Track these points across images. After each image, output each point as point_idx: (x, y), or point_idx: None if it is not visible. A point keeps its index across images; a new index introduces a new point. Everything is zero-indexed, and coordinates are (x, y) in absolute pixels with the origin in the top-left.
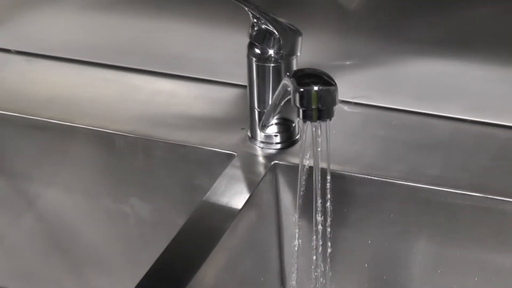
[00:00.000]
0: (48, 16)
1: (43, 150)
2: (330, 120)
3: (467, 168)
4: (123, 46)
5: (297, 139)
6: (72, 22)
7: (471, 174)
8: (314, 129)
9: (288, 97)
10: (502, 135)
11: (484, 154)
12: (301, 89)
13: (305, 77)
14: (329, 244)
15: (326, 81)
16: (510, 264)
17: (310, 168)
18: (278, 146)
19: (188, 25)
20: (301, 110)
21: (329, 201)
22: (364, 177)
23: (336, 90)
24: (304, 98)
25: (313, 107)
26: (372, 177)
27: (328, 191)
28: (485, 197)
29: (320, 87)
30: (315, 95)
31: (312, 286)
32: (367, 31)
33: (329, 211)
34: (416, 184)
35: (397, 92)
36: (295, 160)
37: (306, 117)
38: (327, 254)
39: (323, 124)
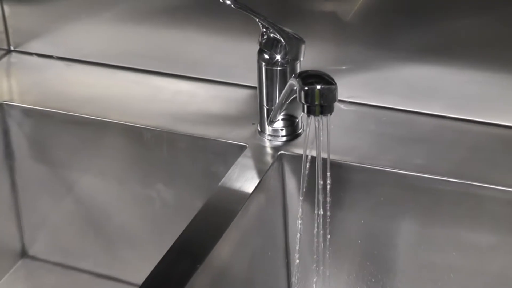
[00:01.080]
0: (85, 27)
1: (81, 142)
2: (331, 114)
3: (447, 158)
4: (148, 53)
5: (300, 132)
6: (105, 32)
7: (450, 163)
8: (317, 122)
9: (294, 95)
10: (477, 130)
11: (462, 146)
12: (306, 88)
13: (309, 77)
14: (328, 223)
15: (327, 81)
16: (484, 241)
17: (312, 157)
18: (284, 138)
19: (205, 34)
20: (305, 106)
21: (328, 186)
22: (358, 166)
23: (336, 88)
24: (309, 95)
25: (316, 103)
26: (365, 166)
27: (328, 177)
28: (462, 183)
29: (322, 86)
30: (318, 93)
31: (313, 259)
32: (361, 40)
33: (328, 194)
34: (403, 172)
35: (387, 93)
36: (298, 151)
37: (310, 112)
38: (326, 232)
39: (324, 118)
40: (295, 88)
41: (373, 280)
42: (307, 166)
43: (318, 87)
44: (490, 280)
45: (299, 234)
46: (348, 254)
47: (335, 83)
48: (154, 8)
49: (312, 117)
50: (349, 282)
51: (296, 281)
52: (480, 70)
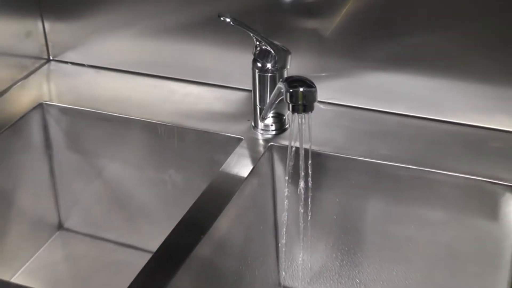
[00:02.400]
0: (112, 41)
1: (107, 135)
2: (312, 112)
3: (407, 149)
4: (163, 62)
5: (286, 127)
6: (128, 45)
7: (410, 153)
8: (300, 119)
9: (281, 97)
10: (432, 126)
11: (420, 140)
12: (291, 90)
13: (294, 81)
14: (309, 202)
15: (309, 85)
16: (436, 217)
17: (296, 148)
18: (273, 132)
19: (210, 46)
20: (291, 105)
21: (310, 172)
22: (334, 155)
23: (316, 91)
24: (293, 96)
25: (300, 103)
26: (340, 155)
27: (310, 164)
28: (419, 169)
29: (304, 89)
30: (301, 94)
31: (297, 232)
32: (337, 52)
33: (310, 179)
34: (371, 160)
35: (358, 95)
36: (285, 143)
37: (294, 110)
38: (308, 210)
39: (306, 115)
40: (282, 90)
41: (346, 248)
42: (292, 155)
43: (301, 89)
44: (440, 249)
45: (285, 211)
46: (326, 227)
47: (315, 87)
48: (168, 26)
49: (296, 114)
50: (327, 250)
51: (283, 249)
52: (434, 77)
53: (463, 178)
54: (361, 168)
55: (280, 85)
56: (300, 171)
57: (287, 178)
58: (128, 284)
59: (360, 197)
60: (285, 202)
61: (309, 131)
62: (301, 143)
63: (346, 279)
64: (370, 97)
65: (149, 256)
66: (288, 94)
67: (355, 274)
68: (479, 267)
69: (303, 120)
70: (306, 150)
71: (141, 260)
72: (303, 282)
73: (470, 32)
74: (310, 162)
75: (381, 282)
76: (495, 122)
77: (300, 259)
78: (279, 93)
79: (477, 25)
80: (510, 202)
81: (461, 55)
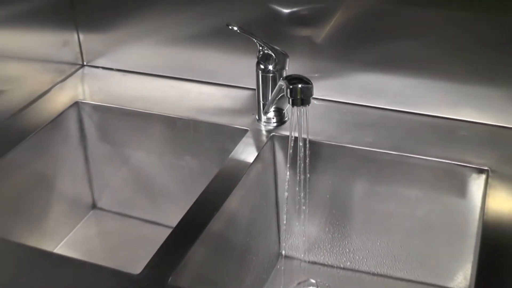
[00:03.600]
0: (136, 48)
1: (133, 128)
2: (309, 105)
3: (389, 137)
4: (180, 65)
5: (286, 120)
6: (150, 51)
7: (391, 141)
8: (298, 112)
9: (282, 94)
10: (411, 118)
11: (399, 130)
12: (291, 86)
13: (293, 79)
14: (306, 184)
15: (306, 82)
16: (413, 195)
17: (295, 137)
18: (275, 124)
19: (220, 52)
20: (290, 99)
21: (307, 157)
22: (326, 143)
23: (312, 87)
24: (293, 92)
25: (298, 97)
26: (331, 143)
27: (307, 151)
28: (399, 154)
29: (302, 85)
30: (299, 90)
31: (295, 209)
32: (328, 56)
33: (307, 164)
34: (358, 147)
35: (346, 93)
36: (285, 133)
37: (293, 104)
38: (306, 190)
39: (304, 108)
40: (283, 87)
41: (337, 222)
42: (292, 144)
43: (300, 85)
44: (416, 222)
45: (286, 192)
46: (320, 205)
47: (312, 83)
48: (184, 35)
49: (295, 107)
50: (321, 224)
51: (284, 222)
52: (411, 77)
53: (436, 162)
54: (349, 154)
55: (281, 82)
56: (299, 157)
57: (288, 163)
58: (152, 255)
59: (348, 178)
60: (286, 184)
61: (307, 122)
62: (299, 133)
63: (337, 248)
64: (356, 94)
65: (169, 230)
66: (288, 90)
67: (345, 244)
68: (450, 237)
69: (301, 112)
70: (304, 139)
71: (163, 234)
72: (300, 252)
73: (441, 39)
74: (308, 149)
75: (367, 251)
76: (462, 114)
77: (298, 232)
78: (280, 90)
79: (447, 34)
80: (476, 182)
81: (434, 59)
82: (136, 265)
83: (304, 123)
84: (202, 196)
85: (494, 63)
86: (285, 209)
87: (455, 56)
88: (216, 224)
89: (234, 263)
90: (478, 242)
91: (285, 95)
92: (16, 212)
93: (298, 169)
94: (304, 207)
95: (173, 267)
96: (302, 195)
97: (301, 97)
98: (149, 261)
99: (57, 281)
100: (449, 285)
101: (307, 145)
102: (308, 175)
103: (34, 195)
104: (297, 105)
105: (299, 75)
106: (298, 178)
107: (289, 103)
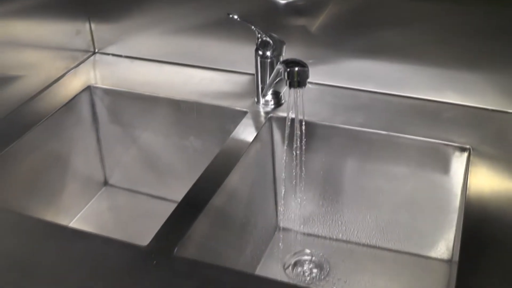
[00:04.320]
0: (144, 36)
1: (140, 110)
2: (304, 87)
3: (378, 118)
4: (184, 52)
5: (282, 103)
6: (157, 40)
7: (380, 121)
8: (295, 93)
9: (280, 77)
10: (399, 100)
11: (388, 111)
12: (288, 69)
13: (290, 63)
14: (302, 161)
15: (302, 65)
16: (400, 172)
17: (291, 119)
18: (272, 106)
19: (221, 40)
20: (288, 81)
21: (304, 136)
22: (320, 123)
23: (308, 70)
24: (290, 74)
25: (295, 79)
26: (325, 123)
27: (303, 131)
28: (387, 134)
29: (299, 68)
30: (296, 72)
31: (291, 185)
32: (321, 43)
33: (303, 143)
34: (349, 127)
35: (338, 77)
36: (281, 114)
37: (291, 85)
38: (302, 167)
39: (300, 90)
40: (281, 70)
41: (330, 197)
42: (289, 123)
43: (296, 68)
44: (403, 197)
45: (284, 169)
46: (313, 181)
47: (308, 67)
48: (188, 25)
49: (292, 89)
50: (314, 198)
51: (282, 195)
52: (398, 63)
53: (422, 141)
54: (341, 134)
55: (279, 66)
56: (296, 135)
57: (286, 141)
58: (158, 227)
59: (340, 156)
60: (283, 161)
61: (302, 103)
62: (296, 113)
63: (330, 221)
64: (348, 78)
65: (175, 205)
66: (286, 72)
67: (337, 218)
68: (434, 211)
69: (297, 94)
70: (300, 119)
71: (169, 208)
72: (296, 224)
73: (427, 29)
74: (304, 129)
75: (357, 224)
76: (446, 97)
77: (294, 206)
78: (278, 73)
79: (432, 23)
80: (458, 159)
81: (420, 46)
82: (144, 237)
83: (300, 104)
84: (205, 173)
85: (476, 51)
86: (283, 185)
87: (439, 43)
88: (218, 199)
89: (235, 234)
90: (462, 215)
91: (283, 77)
92: (33, 190)
93: (294, 147)
94: (300, 183)
95: (178, 239)
96: (298, 172)
97: (298, 79)
98: (156, 233)
99: (72, 253)
100: (432, 255)
101: (303, 125)
102: (304, 152)
103: (50, 173)
104: (294, 87)
105: (296, 59)
106: (294, 155)
107: (286, 85)
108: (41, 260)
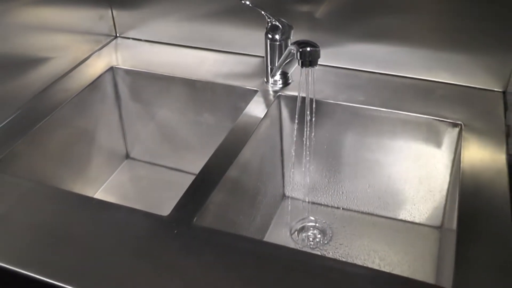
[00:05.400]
0: (163, 21)
1: (158, 89)
2: (316, 66)
3: (377, 96)
4: (199, 37)
5: (290, 82)
6: (174, 25)
7: (379, 99)
8: (306, 72)
9: (290, 58)
10: (396, 80)
11: (386, 90)
12: (301, 49)
13: (303, 43)
14: (312, 136)
15: (314, 45)
16: (397, 145)
17: (302, 97)
18: (280, 86)
19: (233, 25)
20: (300, 61)
21: (314, 113)
22: (324, 101)
23: (319, 50)
24: (303, 54)
25: (307, 59)
26: (329, 101)
27: (313, 108)
28: (386, 110)
29: (311, 48)
30: (308, 52)
31: (298, 158)
32: (324, 28)
33: (313, 119)
34: (351, 104)
35: (341, 59)
36: (289, 93)
37: (303, 65)
38: (311, 142)
39: (311, 69)
40: (293, 51)
41: (333, 169)
42: (300, 101)
43: (308, 49)
44: (399, 168)
45: (293, 144)
46: (319, 154)
47: (319, 47)
48: (203, 11)
49: (303, 68)
50: (319, 170)
51: (290, 165)
52: (396, 45)
53: (417, 117)
54: (343, 110)
55: (291, 47)
56: (306, 112)
57: (296, 117)
58: (178, 198)
59: (342, 131)
60: (294, 136)
61: (313, 82)
62: (307, 92)
63: (332, 191)
64: (349, 60)
65: (191, 176)
66: (298, 52)
67: (339, 188)
68: (427, 180)
69: (309, 73)
70: (311, 98)
71: (185, 179)
72: (301, 194)
73: (421, 15)
74: (314, 106)
75: (357, 193)
76: (439, 77)
77: (300, 177)
78: (289, 54)
79: (427, 10)
80: (451, 134)
81: (415, 30)
82: (163, 205)
83: (311, 83)
84: (220, 147)
85: (466, 34)
86: (291, 157)
87: (433, 28)
88: (232, 172)
89: (247, 203)
90: (452, 186)
91: (295, 57)
92: (62, 163)
93: (305, 123)
94: (307, 156)
95: (197, 209)
96: (306, 145)
97: (310, 59)
98: (176, 204)
99: (99, 222)
100: (425, 223)
101: (314, 102)
102: (314, 127)
103: (77, 148)
104: (305, 66)
105: (308, 40)
106: (305, 130)
107: (298, 64)
108: (72, 229)
